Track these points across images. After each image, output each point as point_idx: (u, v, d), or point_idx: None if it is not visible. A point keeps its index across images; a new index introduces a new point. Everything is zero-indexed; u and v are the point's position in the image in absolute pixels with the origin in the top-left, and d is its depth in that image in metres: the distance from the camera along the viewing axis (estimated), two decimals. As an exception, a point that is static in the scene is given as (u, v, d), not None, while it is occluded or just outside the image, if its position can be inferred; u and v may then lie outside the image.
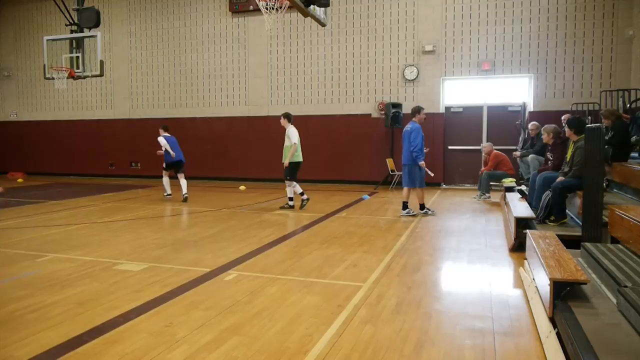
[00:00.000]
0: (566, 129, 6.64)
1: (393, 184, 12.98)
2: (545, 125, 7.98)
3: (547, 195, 6.37)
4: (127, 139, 16.08)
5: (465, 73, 12.84)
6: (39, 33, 16.69)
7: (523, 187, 8.57)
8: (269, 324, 3.72)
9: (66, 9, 10.94)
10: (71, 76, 10.86)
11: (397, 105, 12.82)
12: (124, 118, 16.12)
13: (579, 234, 5.23)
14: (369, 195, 11.54)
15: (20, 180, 15.54)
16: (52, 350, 3.30)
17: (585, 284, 3.54)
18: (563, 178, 6.32)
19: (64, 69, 10.89)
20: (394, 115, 12.62)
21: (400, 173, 12.85)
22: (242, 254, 5.95)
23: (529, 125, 10.27)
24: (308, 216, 8.64)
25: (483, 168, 10.99)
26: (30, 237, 6.94)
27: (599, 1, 11.76)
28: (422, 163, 8.38)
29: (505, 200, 8.79)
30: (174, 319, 3.81)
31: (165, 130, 11.65)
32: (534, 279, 4.34)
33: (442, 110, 13.18)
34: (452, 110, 13.28)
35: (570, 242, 4.98)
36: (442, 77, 13.07)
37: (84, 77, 11.08)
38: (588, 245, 4.55)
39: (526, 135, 10.88)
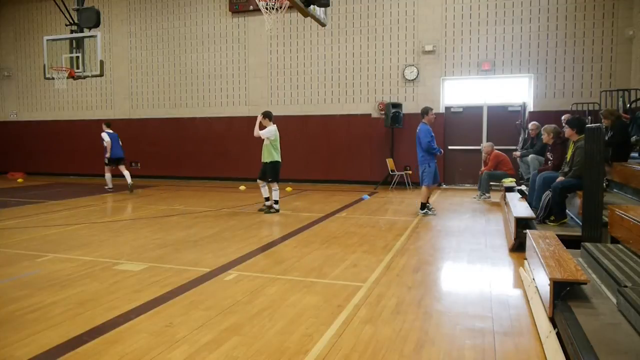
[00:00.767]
0: (566, 129, 6.63)
1: (393, 184, 12.98)
2: (545, 125, 7.98)
3: (547, 195, 6.37)
4: (127, 139, 16.01)
5: (465, 73, 12.84)
6: (39, 33, 16.69)
7: (523, 187, 8.57)
8: (269, 324, 3.72)
9: (66, 9, 10.95)
10: (71, 76, 10.88)
11: (397, 105, 12.82)
12: (124, 118, 16.11)
13: (579, 234, 5.23)
14: (369, 195, 11.54)
15: (20, 180, 15.54)
16: (52, 350, 3.29)
17: (585, 284, 3.54)
18: (563, 178, 6.32)
19: (64, 69, 10.90)
20: (394, 115, 12.62)
21: (401, 173, 12.95)
22: (242, 254, 5.95)
23: (529, 125, 10.27)
24: (308, 216, 8.65)
25: (483, 168, 10.99)
26: (30, 237, 6.94)
27: (599, 1, 11.76)
28: (441, 152, 8.76)
29: (505, 200, 8.79)
30: (174, 319, 3.81)
31: (108, 126, 12.14)
32: (534, 279, 4.34)
33: (442, 110, 13.17)
34: (452, 110, 13.28)
35: (570, 242, 4.98)
36: (442, 77, 13.07)
37: (84, 77, 11.10)
38: (588, 245, 4.55)
39: (526, 135, 10.88)
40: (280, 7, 7.83)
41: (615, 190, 6.74)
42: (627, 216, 4.24)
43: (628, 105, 9.79)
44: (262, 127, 8.77)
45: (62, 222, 8.20)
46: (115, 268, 5.30)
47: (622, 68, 11.60)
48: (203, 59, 15.17)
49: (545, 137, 7.75)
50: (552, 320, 3.42)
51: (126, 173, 12.13)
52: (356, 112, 13.74)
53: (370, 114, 13.64)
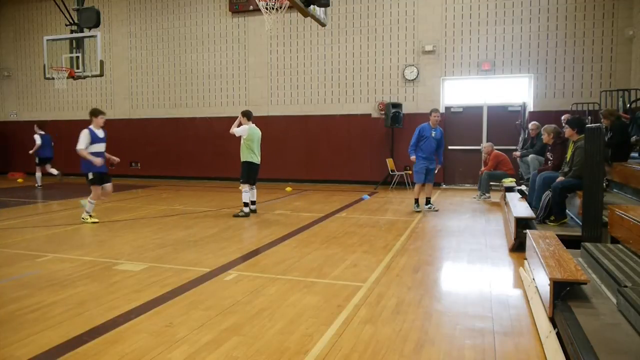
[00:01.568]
0: (566, 129, 6.63)
1: (393, 184, 12.98)
2: (545, 125, 7.98)
3: (547, 195, 6.37)
4: (127, 139, 16.06)
5: (465, 73, 12.84)
6: (39, 33, 16.69)
7: (523, 187, 8.57)
8: (269, 324, 3.72)
9: (66, 9, 10.94)
10: (71, 76, 10.87)
11: (397, 105, 12.82)
12: (124, 118, 16.12)
13: (579, 234, 5.23)
14: (369, 195, 11.53)
15: (20, 180, 15.53)
16: (52, 350, 3.29)
17: (585, 284, 3.54)
18: (563, 178, 6.32)
19: (64, 69, 10.90)
20: (394, 115, 12.62)
21: (401, 173, 12.95)
22: (242, 254, 5.95)
23: (529, 125, 10.27)
24: (308, 216, 8.64)
25: (483, 168, 10.99)
26: (30, 237, 6.95)
27: (599, 1, 11.76)
28: (412, 158, 8.95)
29: (505, 200, 8.79)
30: (174, 319, 3.81)
31: (41, 127, 12.87)
32: (534, 279, 4.34)
33: (442, 110, 13.14)
34: (452, 110, 13.28)
35: (570, 242, 4.99)
36: (442, 77, 13.07)
37: (84, 77, 11.08)
38: (588, 245, 4.55)
39: (526, 135, 10.88)
40: (280, 7, 7.83)
41: (615, 190, 6.74)
42: (627, 216, 4.24)
43: (628, 105, 9.79)
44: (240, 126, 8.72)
45: (62, 222, 8.20)
46: (115, 268, 5.29)
47: (622, 68, 11.60)
48: (203, 59, 15.16)
49: (545, 137, 7.74)
50: (552, 320, 3.42)
51: (52, 170, 13.25)
52: (356, 112, 13.74)
53: (370, 114, 13.64)
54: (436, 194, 11.75)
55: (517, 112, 12.38)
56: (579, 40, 11.96)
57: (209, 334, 3.53)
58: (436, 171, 9.09)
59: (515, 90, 12.76)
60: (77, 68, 10.81)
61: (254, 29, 14.51)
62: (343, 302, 4.17)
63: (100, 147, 8.29)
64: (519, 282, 4.83)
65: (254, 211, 8.86)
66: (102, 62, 10.88)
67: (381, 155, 13.34)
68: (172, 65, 15.50)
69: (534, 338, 3.48)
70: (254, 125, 8.80)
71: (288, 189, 12.62)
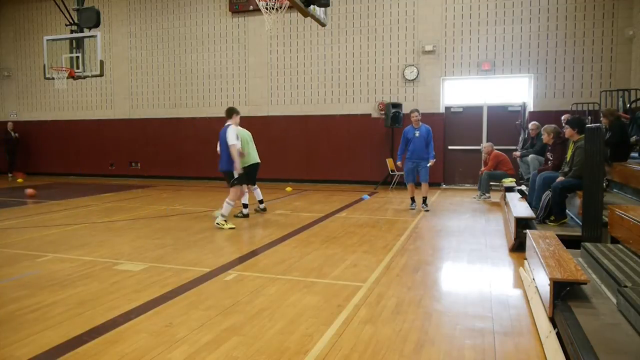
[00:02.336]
0: (566, 129, 6.63)
1: (393, 184, 12.97)
2: (545, 125, 7.97)
3: (547, 195, 6.37)
4: (127, 139, 16.08)
5: (465, 73, 12.84)
6: (39, 33, 16.69)
7: (523, 187, 8.57)
8: (269, 324, 3.72)
9: (66, 9, 10.94)
10: (71, 76, 10.86)
11: (397, 105, 12.81)
12: (124, 118, 16.12)
13: (579, 234, 5.23)
14: (369, 195, 11.54)
15: (20, 180, 15.52)
16: (52, 350, 3.30)
17: (585, 284, 3.54)
18: (563, 178, 6.32)
19: (64, 69, 10.89)
20: (394, 115, 12.61)
21: (401, 173, 12.92)
22: (242, 254, 5.95)
23: (529, 125, 10.26)
24: (308, 216, 8.65)
25: (483, 168, 10.99)
26: (30, 237, 6.94)
27: (599, 1, 11.76)
28: (398, 163, 9.39)
29: (505, 200, 8.79)
30: (174, 319, 3.81)
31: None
32: (534, 279, 4.34)
33: (442, 110, 13.17)
34: (452, 110, 13.28)
35: (570, 242, 4.99)
36: (442, 77, 13.07)
37: (84, 77, 11.08)
38: (588, 245, 4.55)
39: (526, 135, 10.88)
40: (280, 7, 7.83)
41: (615, 190, 6.74)
42: (627, 216, 4.24)
43: (628, 105, 9.79)
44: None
45: (62, 222, 8.20)
46: (115, 268, 5.30)
47: (622, 68, 11.60)
48: (203, 59, 15.16)
49: (545, 137, 7.74)
50: (552, 320, 3.42)
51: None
52: (356, 112, 13.74)
53: (370, 114, 13.64)
54: (436, 194, 11.76)
55: (517, 112, 12.37)
56: (579, 40, 11.96)
57: (209, 334, 3.53)
58: (428, 165, 9.00)
59: (515, 90, 12.76)
60: (77, 68, 10.81)
61: (254, 29, 14.51)
62: (343, 302, 4.17)
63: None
64: (519, 282, 4.83)
65: (264, 209, 8.98)
66: (102, 62, 10.87)
67: (381, 155, 13.34)
68: (172, 65, 15.51)
69: (534, 338, 3.48)
70: (239, 127, 8.40)
71: (288, 189, 12.62)
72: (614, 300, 3.41)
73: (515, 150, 10.72)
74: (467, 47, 12.76)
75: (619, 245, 4.46)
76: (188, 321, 3.77)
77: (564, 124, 7.35)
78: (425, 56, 13.08)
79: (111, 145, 16.29)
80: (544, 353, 3.22)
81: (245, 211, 8.58)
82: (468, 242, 6.59)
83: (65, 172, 16.88)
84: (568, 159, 6.48)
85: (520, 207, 6.91)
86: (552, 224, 6.18)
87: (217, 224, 7.51)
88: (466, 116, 13.16)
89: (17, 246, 6.40)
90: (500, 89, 12.84)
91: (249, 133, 8.83)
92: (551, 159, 7.51)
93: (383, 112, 13.16)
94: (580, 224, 5.34)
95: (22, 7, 17.28)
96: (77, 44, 10.82)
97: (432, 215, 8.68)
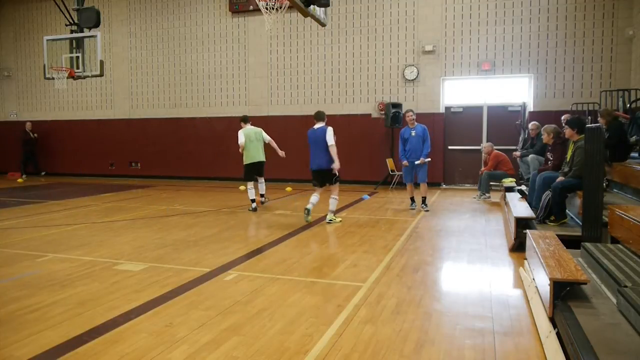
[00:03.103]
0: (566, 129, 6.63)
1: (393, 184, 12.97)
2: (545, 125, 7.98)
3: (547, 195, 6.37)
4: (127, 139, 16.07)
5: (465, 73, 12.84)
6: (39, 33, 16.69)
7: (523, 187, 8.57)
8: (269, 324, 3.72)
9: (66, 9, 10.94)
10: (71, 76, 10.86)
11: (397, 105, 12.81)
12: (124, 118, 16.12)
13: (579, 234, 5.23)
14: (369, 195, 11.53)
15: (20, 180, 15.53)
16: (52, 350, 3.30)
17: (585, 284, 3.54)
18: (563, 178, 6.32)
19: (64, 69, 10.89)
20: (394, 115, 12.61)
21: (400, 173, 12.90)
22: (242, 254, 5.95)
23: (529, 125, 10.26)
24: (308, 216, 8.63)
25: (483, 168, 10.99)
26: (30, 237, 6.94)
27: (599, 1, 11.76)
28: (404, 162, 9.31)
29: (505, 200, 8.79)
30: (174, 319, 3.81)
31: None
32: (534, 279, 4.34)
33: (442, 110, 13.17)
34: (452, 110, 13.28)
35: (570, 242, 4.98)
36: (442, 77, 13.06)
37: (84, 77, 11.08)
38: (588, 245, 4.55)
39: (526, 135, 10.88)
40: (280, 7, 7.83)
41: (615, 190, 6.74)
42: (627, 216, 4.24)
43: (628, 105, 9.78)
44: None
45: (62, 222, 8.20)
46: (115, 268, 5.30)
47: (622, 68, 11.60)
48: (203, 59, 15.16)
49: (545, 137, 7.74)
50: (552, 320, 3.42)
51: None
52: (356, 112, 13.73)
53: (370, 114, 13.64)
54: (436, 194, 11.75)
55: (517, 112, 12.37)
56: (579, 40, 11.96)
57: (208, 334, 3.53)
58: (418, 162, 8.95)
59: (515, 90, 12.75)
60: (77, 68, 10.81)
61: (254, 29, 14.51)
62: (343, 302, 4.17)
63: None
64: (519, 282, 4.83)
65: (262, 203, 9.44)
66: (102, 62, 10.87)
67: (381, 155, 13.34)
68: (172, 65, 15.50)
69: (534, 338, 3.48)
70: (249, 126, 9.52)
71: (288, 189, 12.62)
72: (614, 300, 3.41)
73: (515, 150, 10.72)
74: (467, 47, 12.75)
75: (619, 245, 4.46)
76: (188, 321, 3.77)
77: (564, 124, 7.35)
78: (425, 56, 13.08)
79: (111, 145, 16.29)
80: (544, 353, 3.22)
81: (253, 205, 9.18)
82: (468, 242, 6.59)
83: (66, 172, 16.87)
84: (568, 159, 6.48)
85: (520, 207, 6.90)
86: (552, 224, 6.18)
87: (330, 220, 7.96)
88: (466, 116, 13.16)
89: (17, 246, 6.40)
90: (500, 89, 12.83)
91: (258, 131, 9.81)
92: (551, 159, 7.51)
93: (383, 112, 13.15)
94: (580, 224, 5.34)
95: (22, 7, 17.28)
96: (77, 44, 10.82)
97: (432, 215, 8.68)
